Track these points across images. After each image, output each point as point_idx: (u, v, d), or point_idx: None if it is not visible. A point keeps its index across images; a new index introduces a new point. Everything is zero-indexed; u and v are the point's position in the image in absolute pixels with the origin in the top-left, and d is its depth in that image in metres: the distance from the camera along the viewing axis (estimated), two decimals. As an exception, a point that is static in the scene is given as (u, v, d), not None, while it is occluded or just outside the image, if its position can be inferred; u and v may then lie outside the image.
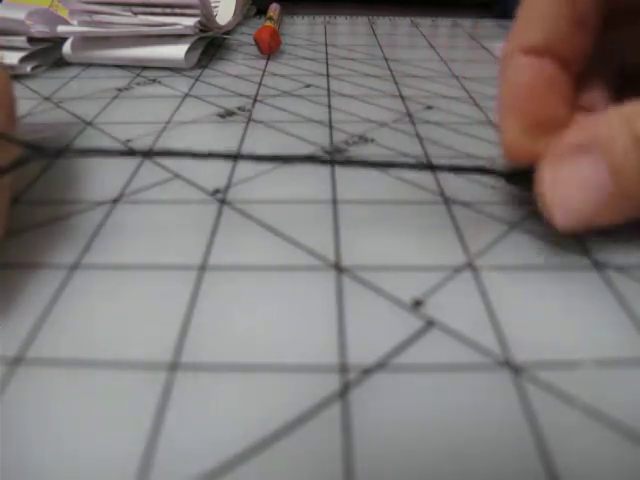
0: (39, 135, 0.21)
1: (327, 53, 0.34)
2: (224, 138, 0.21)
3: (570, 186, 0.13)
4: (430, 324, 0.12)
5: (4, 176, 0.12)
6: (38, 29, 0.29)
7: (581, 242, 0.15)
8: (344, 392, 0.11)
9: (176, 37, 0.30)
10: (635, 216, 0.13)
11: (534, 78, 0.15)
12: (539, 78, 0.15)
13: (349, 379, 0.11)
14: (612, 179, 0.12)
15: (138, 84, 0.28)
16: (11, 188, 0.13)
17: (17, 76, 0.28)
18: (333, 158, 0.19)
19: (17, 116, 0.14)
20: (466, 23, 0.44)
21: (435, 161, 0.19)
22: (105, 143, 0.21)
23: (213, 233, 0.15)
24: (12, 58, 0.28)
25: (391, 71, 0.30)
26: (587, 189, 0.13)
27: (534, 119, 0.14)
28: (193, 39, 0.30)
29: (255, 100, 0.25)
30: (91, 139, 0.21)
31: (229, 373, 0.11)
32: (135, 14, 0.30)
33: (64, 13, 0.30)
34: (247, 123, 0.23)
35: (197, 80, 0.28)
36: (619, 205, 0.13)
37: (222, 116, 0.23)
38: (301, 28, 0.42)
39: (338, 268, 0.14)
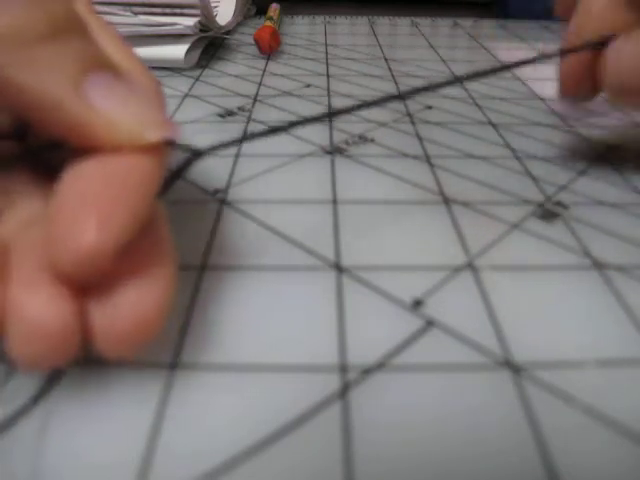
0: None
1: (327, 53, 0.34)
2: (224, 138, 0.21)
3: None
4: (430, 324, 0.12)
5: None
6: (38, 29, 0.29)
7: (581, 242, 0.15)
8: (344, 392, 0.11)
9: (176, 37, 0.30)
10: None
11: None
12: None
13: (349, 379, 0.11)
14: None
15: (138, 84, 0.28)
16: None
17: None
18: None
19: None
20: (466, 23, 0.44)
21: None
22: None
23: (213, 233, 0.15)
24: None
25: (391, 71, 0.30)
26: None
27: None
28: (193, 39, 0.30)
29: (255, 100, 0.25)
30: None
31: (229, 373, 0.11)
32: (135, 14, 0.30)
33: (64, 13, 0.30)
34: (247, 123, 0.23)
35: (197, 80, 0.28)
36: None
37: (222, 116, 0.23)
38: (301, 28, 0.42)
39: (338, 268, 0.14)
